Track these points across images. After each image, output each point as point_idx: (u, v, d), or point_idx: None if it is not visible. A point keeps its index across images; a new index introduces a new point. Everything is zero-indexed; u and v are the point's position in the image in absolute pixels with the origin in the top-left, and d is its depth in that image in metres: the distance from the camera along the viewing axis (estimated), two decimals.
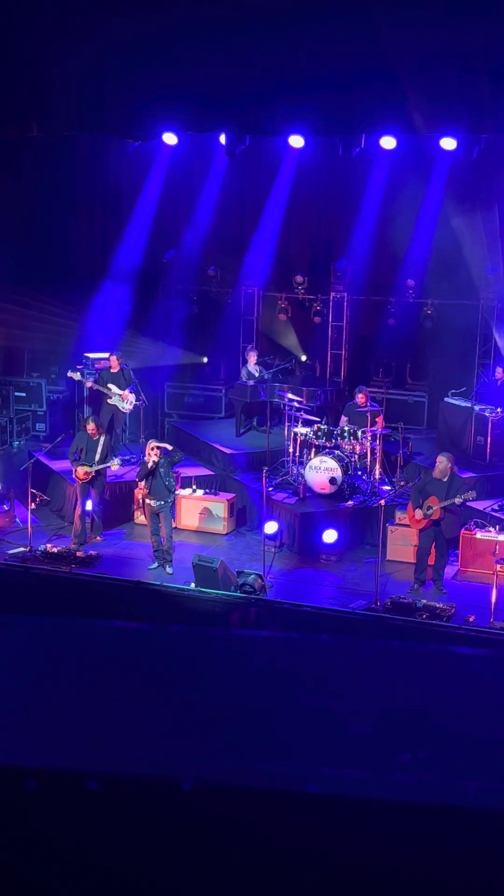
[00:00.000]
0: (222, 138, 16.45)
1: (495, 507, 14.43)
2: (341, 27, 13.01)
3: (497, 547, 12.79)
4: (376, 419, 15.30)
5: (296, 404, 15.66)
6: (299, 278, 18.71)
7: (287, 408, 15.85)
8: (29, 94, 15.15)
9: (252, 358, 17.66)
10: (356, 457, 15.03)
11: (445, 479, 12.71)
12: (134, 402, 16.28)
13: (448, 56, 13.09)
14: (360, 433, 15.04)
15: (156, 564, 13.37)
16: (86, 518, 14.12)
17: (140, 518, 14.65)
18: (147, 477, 13.25)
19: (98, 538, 14.31)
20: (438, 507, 12.51)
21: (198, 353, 19.07)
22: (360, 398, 15.71)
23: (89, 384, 16.56)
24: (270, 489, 14.51)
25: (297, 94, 14.01)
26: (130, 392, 16.21)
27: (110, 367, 16.32)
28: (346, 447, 14.96)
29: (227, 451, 16.64)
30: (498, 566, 12.17)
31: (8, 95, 15.12)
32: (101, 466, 14.06)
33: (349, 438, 14.99)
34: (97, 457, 14.01)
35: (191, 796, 1.47)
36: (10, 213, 17.79)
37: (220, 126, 15.93)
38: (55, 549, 13.46)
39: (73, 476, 14.23)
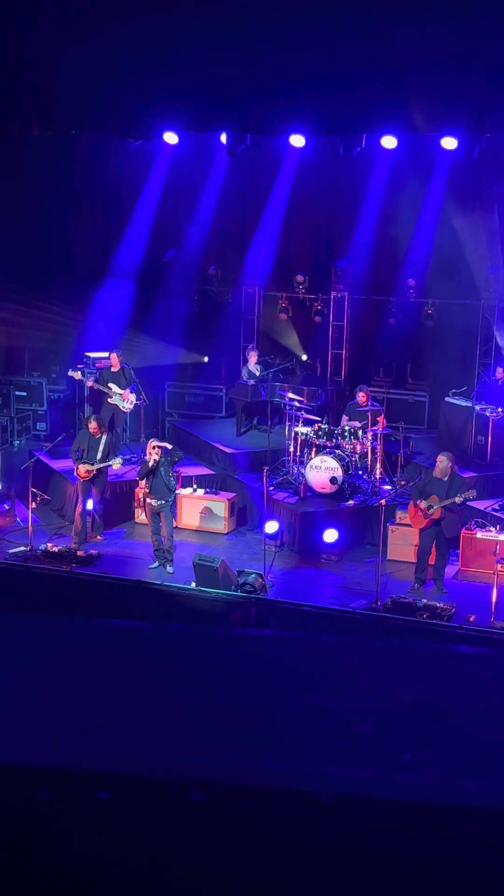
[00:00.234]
0: (223, 138, 16.45)
1: (496, 506, 14.42)
2: (342, 27, 13.02)
3: (497, 546, 12.78)
4: (377, 419, 15.30)
5: (296, 404, 15.66)
6: (300, 278, 18.71)
7: (288, 407, 15.85)
8: (30, 94, 15.16)
9: (252, 357, 17.66)
10: (357, 456, 15.03)
11: (446, 479, 12.71)
12: (134, 402, 16.28)
13: (449, 55, 13.10)
14: (360, 433, 15.04)
15: (156, 564, 13.37)
16: (86, 516, 14.12)
17: (141, 517, 14.65)
18: (148, 476, 13.25)
19: (99, 537, 14.31)
20: (439, 507, 12.50)
21: (199, 353, 19.06)
22: (360, 398, 15.71)
23: (90, 384, 16.55)
24: (271, 488, 14.51)
25: (298, 93, 14.01)
26: (131, 391, 16.21)
27: (111, 366, 16.32)
28: (347, 447, 14.96)
29: (228, 450, 16.64)
30: (498, 566, 12.17)
31: (9, 94, 15.12)
32: (102, 465, 14.07)
33: (350, 438, 14.99)
34: (99, 455, 14.02)
35: (188, 797, 1.47)
36: (10, 212, 17.79)
37: (220, 125, 15.94)
38: (56, 549, 13.46)
39: (75, 474, 14.24)
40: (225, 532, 14.69)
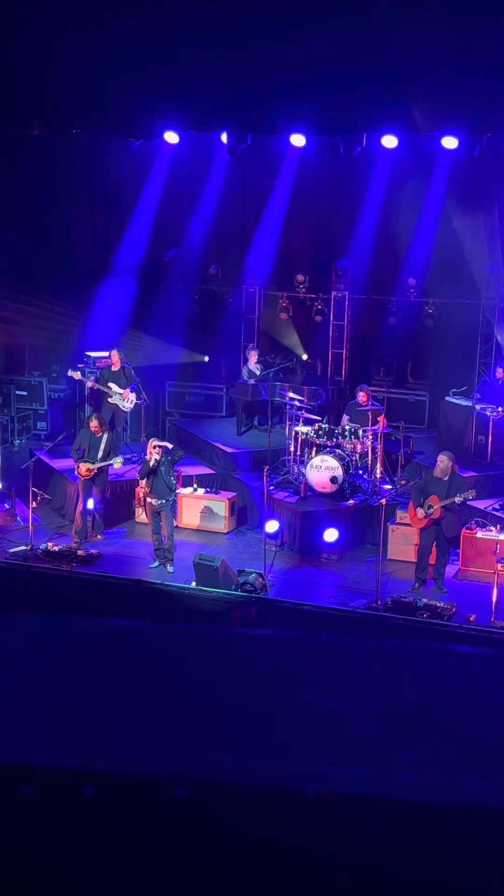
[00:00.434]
0: (224, 137, 16.44)
1: (496, 506, 14.42)
2: (342, 26, 13.02)
3: (498, 546, 12.78)
4: (378, 418, 15.30)
5: (297, 403, 15.66)
6: (300, 277, 18.71)
7: (288, 407, 15.85)
8: (31, 93, 15.16)
9: (253, 357, 17.66)
10: (357, 456, 15.03)
11: (446, 479, 12.71)
12: (135, 401, 16.28)
13: (449, 55, 13.09)
14: (360, 432, 15.04)
15: (157, 563, 13.38)
16: (87, 515, 14.13)
17: (141, 516, 14.65)
18: (148, 475, 13.26)
19: (99, 537, 14.31)
20: (439, 506, 12.51)
21: (199, 352, 19.06)
22: (361, 397, 15.71)
23: (90, 384, 16.55)
24: (271, 488, 14.51)
25: (299, 92, 14.00)
26: (131, 391, 16.20)
27: (111, 365, 16.31)
28: (347, 446, 14.96)
29: (228, 449, 16.64)
30: (499, 565, 12.16)
31: (10, 94, 15.12)
32: (103, 464, 14.07)
33: (350, 437, 15.00)
34: (100, 454, 14.02)
35: (189, 797, 1.47)
36: (11, 211, 17.80)
37: (221, 125, 15.93)
38: (56, 548, 13.47)
39: (76, 473, 14.24)
40: (225, 531, 14.70)
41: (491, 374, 16.80)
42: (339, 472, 14.43)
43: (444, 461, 12.79)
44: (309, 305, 18.86)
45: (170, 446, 13.66)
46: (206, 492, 14.98)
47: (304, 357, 18.82)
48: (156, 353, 18.47)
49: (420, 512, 12.61)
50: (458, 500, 12.50)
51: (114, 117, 15.60)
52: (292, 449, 15.52)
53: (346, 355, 18.38)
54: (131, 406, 16.30)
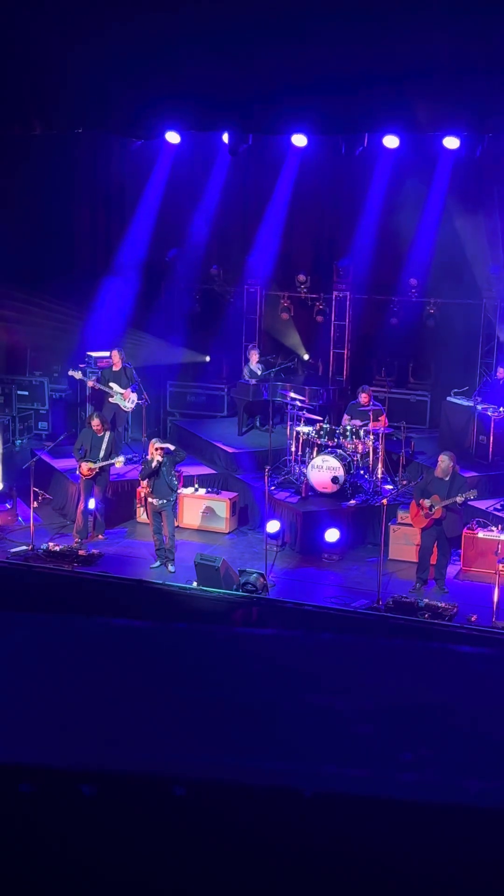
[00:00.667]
0: (225, 137, 16.44)
1: (497, 506, 14.41)
2: (344, 26, 13.01)
3: (499, 546, 12.78)
4: (379, 418, 15.30)
5: (298, 403, 15.66)
6: (302, 277, 18.71)
7: (289, 407, 15.85)
8: (33, 93, 15.16)
9: (254, 357, 17.66)
10: (358, 456, 15.03)
11: (447, 479, 12.70)
12: (136, 401, 16.27)
13: (451, 55, 13.09)
14: (362, 432, 15.04)
15: (158, 563, 13.38)
16: (88, 515, 14.13)
17: (142, 516, 14.66)
18: (150, 476, 13.26)
19: (100, 536, 14.31)
20: (440, 507, 12.50)
21: (200, 352, 19.07)
22: (362, 397, 15.71)
23: (91, 384, 16.55)
24: (272, 488, 14.51)
25: (300, 92, 14.00)
26: (132, 391, 16.20)
27: (112, 365, 16.31)
28: (349, 446, 14.96)
29: (230, 449, 16.64)
30: (500, 565, 12.15)
31: (12, 94, 15.12)
32: (105, 463, 14.07)
33: (351, 437, 14.99)
34: (102, 453, 14.03)
35: (190, 797, 1.47)
36: (13, 211, 17.80)
37: (222, 125, 15.93)
38: (57, 548, 13.47)
39: (78, 472, 14.25)
40: (226, 531, 14.70)
41: (492, 375, 16.80)
42: (341, 473, 14.42)
43: (445, 461, 12.78)
44: (310, 305, 18.86)
45: (172, 448, 13.65)
46: (208, 492, 14.98)
47: (306, 357, 18.82)
48: (157, 353, 18.47)
49: (426, 502, 12.57)
50: (459, 500, 12.50)
51: (115, 117, 15.61)
52: (293, 449, 15.52)
53: (347, 355, 18.38)
54: (132, 406, 16.29)
